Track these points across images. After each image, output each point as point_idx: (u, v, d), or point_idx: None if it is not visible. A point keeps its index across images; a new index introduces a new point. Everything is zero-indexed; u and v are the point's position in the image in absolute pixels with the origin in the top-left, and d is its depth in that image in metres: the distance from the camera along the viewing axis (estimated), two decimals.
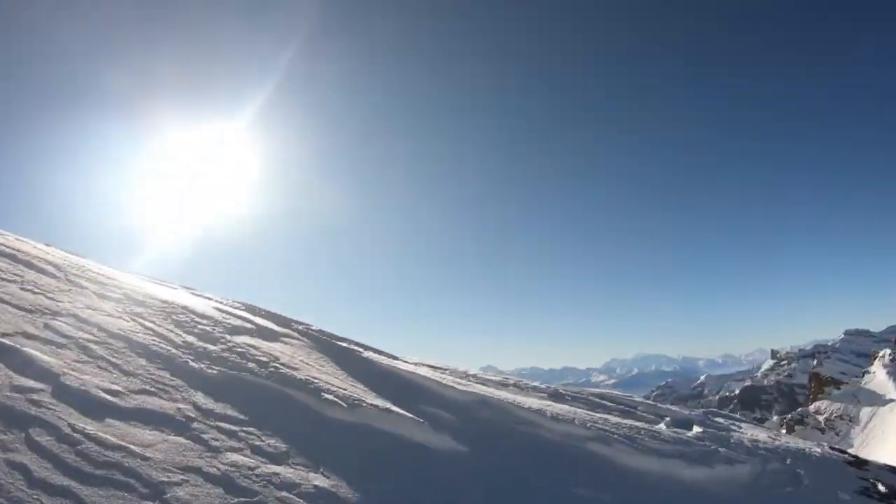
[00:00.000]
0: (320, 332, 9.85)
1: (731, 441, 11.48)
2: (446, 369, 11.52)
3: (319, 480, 4.75)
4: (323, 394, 6.42)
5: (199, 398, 5.21)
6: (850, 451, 22.26)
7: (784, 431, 42.27)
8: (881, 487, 11.85)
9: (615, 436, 9.01)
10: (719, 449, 10.42)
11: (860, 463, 13.37)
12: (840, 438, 43.50)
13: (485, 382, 10.97)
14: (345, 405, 6.34)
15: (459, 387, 9.01)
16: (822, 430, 46.64)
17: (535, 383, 12.80)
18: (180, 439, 4.38)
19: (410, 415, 6.80)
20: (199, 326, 7.28)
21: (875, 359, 53.41)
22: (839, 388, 53.53)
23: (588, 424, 9.16)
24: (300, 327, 9.52)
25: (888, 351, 51.88)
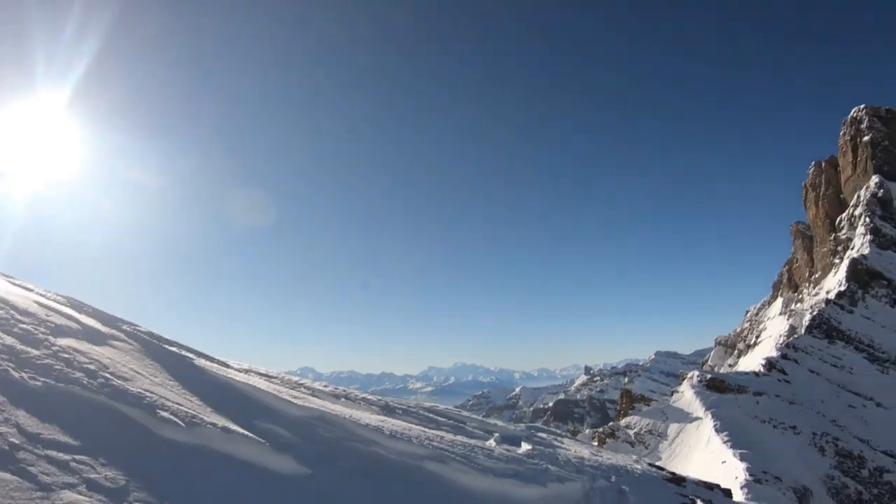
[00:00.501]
0: (149, 334, 9.45)
1: (559, 458, 12.42)
2: (277, 377, 11.46)
3: None
4: (159, 410, 6.20)
5: (23, 418, 4.82)
6: (658, 463, 24.74)
7: (596, 443, 45.81)
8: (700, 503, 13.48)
9: (451, 454, 9.44)
10: (549, 466, 11.23)
11: (678, 480, 15.04)
12: (649, 451, 47.78)
13: (317, 394, 11.04)
14: (182, 424, 6.16)
15: (296, 401, 9.03)
16: (633, 444, 50.86)
17: (365, 395, 13.06)
18: (6, 475, 4.02)
19: (251, 434, 6.75)
20: (21, 325, 6.69)
21: (684, 379, 59.28)
22: (648, 405, 58.68)
23: (425, 442, 9.53)
24: (127, 328, 9.05)
25: (696, 372, 57.65)
